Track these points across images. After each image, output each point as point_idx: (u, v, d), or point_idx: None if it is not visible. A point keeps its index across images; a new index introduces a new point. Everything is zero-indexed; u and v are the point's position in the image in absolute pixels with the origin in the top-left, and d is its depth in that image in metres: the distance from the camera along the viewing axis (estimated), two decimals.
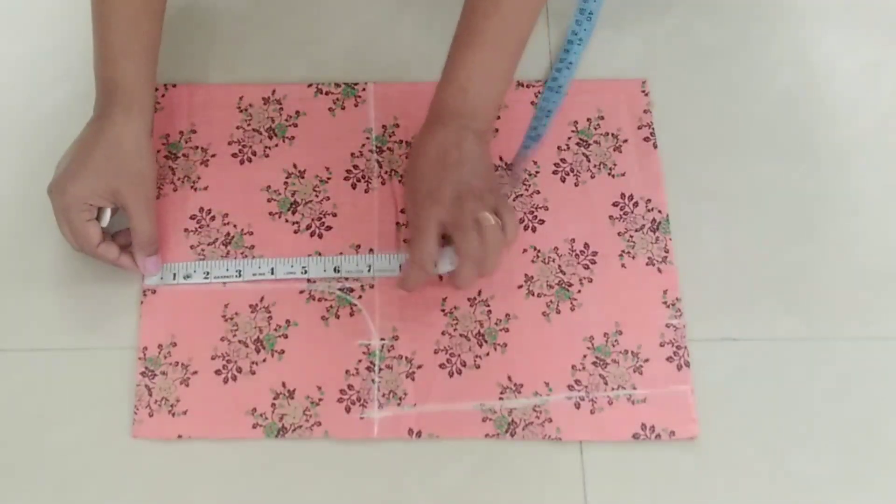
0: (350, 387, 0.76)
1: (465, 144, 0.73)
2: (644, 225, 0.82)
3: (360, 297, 0.79)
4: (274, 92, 0.86)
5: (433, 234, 0.72)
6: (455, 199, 0.71)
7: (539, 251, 0.81)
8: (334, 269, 0.79)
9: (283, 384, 0.76)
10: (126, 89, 0.74)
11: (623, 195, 0.83)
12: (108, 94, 0.75)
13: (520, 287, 0.80)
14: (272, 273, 0.79)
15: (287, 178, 0.83)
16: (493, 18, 0.73)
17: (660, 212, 0.82)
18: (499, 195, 0.75)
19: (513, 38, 0.75)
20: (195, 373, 0.77)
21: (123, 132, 0.74)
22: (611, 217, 0.82)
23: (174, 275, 0.79)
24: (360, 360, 0.77)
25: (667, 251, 0.81)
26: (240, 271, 0.79)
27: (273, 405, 0.76)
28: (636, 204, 0.82)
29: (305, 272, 0.79)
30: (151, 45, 0.77)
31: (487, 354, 0.78)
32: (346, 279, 0.79)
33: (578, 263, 0.80)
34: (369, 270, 0.79)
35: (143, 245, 0.76)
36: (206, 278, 0.79)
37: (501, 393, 0.76)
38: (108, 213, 0.76)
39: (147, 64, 0.76)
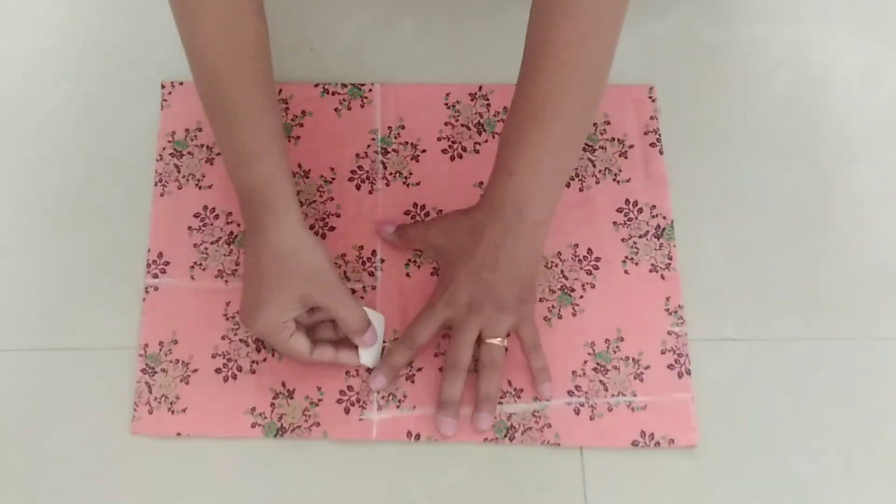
0: (350, 388, 0.76)
1: (510, 242, 0.73)
2: (648, 231, 0.81)
3: (360, 298, 0.79)
4: (280, 91, 0.86)
5: (430, 328, 0.75)
6: (472, 308, 0.74)
7: (542, 256, 0.80)
8: None
9: (283, 384, 0.76)
10: (266, 191, 0.71)
11: (628, 201, 0.82)
12: (251, 204, 0.71)
13: None
14: None
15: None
16: (547, 98, 0.70)
17: (664, 217, 0.82)
18: (525, 310, 0.75)
19: (572, 118, 0.71)
20: (195, 371, 0.77)
21: (280, 237, 0.71)
22: (615, 223, 0.82)
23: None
24: None
25: (670, 258, 0.80)
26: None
27: (272, 405, 0.76)
28: (640, 210, 0.82)
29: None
30: (278, 132, 0.73)
31: None
32: (349, 280, 0.79)
33: (581, 269, 0.80)
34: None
35: (356, 331, 0.74)
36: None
37: (501, 397, 0.76)
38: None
39: (279, 154, 0.72)
